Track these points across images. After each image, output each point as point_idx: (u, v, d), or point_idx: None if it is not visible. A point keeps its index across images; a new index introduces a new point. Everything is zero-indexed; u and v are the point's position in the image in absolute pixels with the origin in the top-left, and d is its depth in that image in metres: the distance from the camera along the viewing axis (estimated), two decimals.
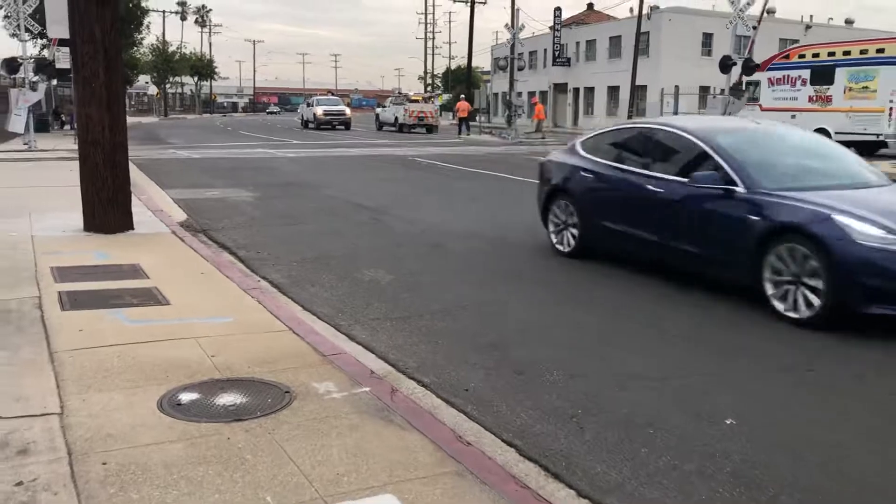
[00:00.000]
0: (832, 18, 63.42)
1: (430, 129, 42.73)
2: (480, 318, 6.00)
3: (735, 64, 21.21)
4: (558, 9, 60.48)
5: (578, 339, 5.48)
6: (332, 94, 58.05)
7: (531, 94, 35.74)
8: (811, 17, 60.15)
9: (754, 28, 21.45)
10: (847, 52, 24.88)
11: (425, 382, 4.58)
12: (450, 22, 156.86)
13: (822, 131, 21.05)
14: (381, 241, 9.29)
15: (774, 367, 4.91)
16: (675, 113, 48.70)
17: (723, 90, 21.89)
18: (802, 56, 26.22)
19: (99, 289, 6.05)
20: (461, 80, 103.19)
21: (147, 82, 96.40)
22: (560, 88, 62.75)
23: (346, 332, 5.59)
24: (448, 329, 5.72)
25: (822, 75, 24.51)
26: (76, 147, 9.23)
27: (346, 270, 7.68)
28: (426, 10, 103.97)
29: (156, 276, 6.57)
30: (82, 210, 8.79)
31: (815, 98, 24.65)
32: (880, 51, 23.59)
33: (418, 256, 8.44)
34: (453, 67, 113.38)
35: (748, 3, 21.25)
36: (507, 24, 33.50)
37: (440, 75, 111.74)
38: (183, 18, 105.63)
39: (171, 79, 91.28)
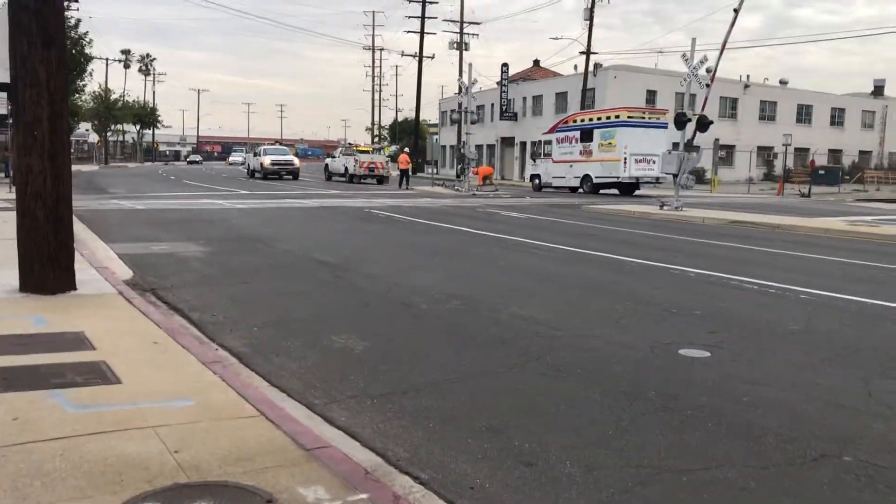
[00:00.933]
0: (768, 78, 65.77)
1: (381, 179, 42.41)
2: (472, 395, 5.42)
3: (690, 120, 21.40)
4: (505, 65, 61.45)
5: (589, 422, 4.94)
6: (280, 144, 57.41)
7: (463, 145, 36.20)
8: (748, 76, 62.02)
9: (707, 86, 21.75)
10: (599, 118, 34.23)
11: (423, 479, 3.97)
12: (396, 76, 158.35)
13: (587, 177, 33.28)
14: (348, 302, 8.68)
15: None
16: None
17: (676, 144, 22.01)
18: (576, 121, 35.50)
19: (37, 364, 5.29)
20: (408, 132, 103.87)
21: (88, 130, 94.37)
22: (507, 142, 63.37)
23: (322, 412, 4.95)
24: (438, 408, 5.12)
25: (586, 135, 33.63)
26: (13, 196, 8.46)
27: (314, 336, 7.04)
28: (373, 62, 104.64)
29: (103, 347, 5.83)
30: (19, 268, 7.97)
31: (583, 152, 33.55)
32: (618, 116, 32.61)
33: (391, 319, 7.85)
34: (400, 119, 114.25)
35: (701, 62, 21.56)
36: (458, 79, 33.58)
37: (387, 126, 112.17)
38: (126, 66, 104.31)
39: (112, 126, 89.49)
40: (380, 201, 25.99)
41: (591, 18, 49.45)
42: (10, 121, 8.36)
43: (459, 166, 34.41)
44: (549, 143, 36.65)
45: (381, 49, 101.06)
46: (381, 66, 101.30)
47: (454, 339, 7.07)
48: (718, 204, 28.40)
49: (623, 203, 26.26)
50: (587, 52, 49.97)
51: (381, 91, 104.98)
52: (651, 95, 54.25)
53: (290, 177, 45.27)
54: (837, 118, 65.33)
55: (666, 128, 31.60)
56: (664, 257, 12.62)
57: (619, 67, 53.31)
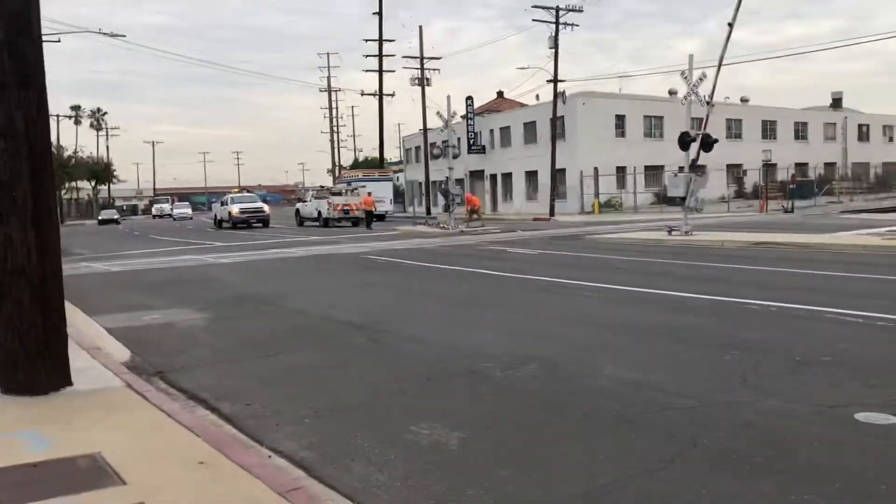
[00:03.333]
0: (728, 97, 66.04)
1: (357, 221, 40.90)
2: None
3: (694, 140, 20.43)
4: (469, 97, 60.63)
5: None
6: (248, 191, 55.62)
7: (447, 180, 35.08)
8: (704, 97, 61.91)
9: (708, 103, 20.84)
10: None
11: None
12: (353, 116, 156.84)
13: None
14: (402, 375, 7.19)
15: None
16: (596, 194, 48.87)
17: (682, 168, 21.00)
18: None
19: None
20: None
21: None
22: (477, 175, 62.38)
23: None
24: None
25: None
26: None
27: (386, 427, 5.57)
28: (329, 103, 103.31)
29: (135, 479, 4.28)
30: (0, 364, 6.37)
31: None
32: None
33: (468, 395, 6.39)
34: (360, 159, 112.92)
35: (700, 80, 20.67)
36: (438, 112, 32.53)
37: (347, 167, 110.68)
38: (77, 123, 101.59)
39: (66, 184, 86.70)
40: (369, 245, 24.49)
41: (556, 46, 48.78)
42: None
43: (444, 203, 33.06)
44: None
45: (338, 90, 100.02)
46: (337, 107, 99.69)
47: (565, 420, 5.64)
48: (716, 225, 27.47)
49: (626, 231, 25.16)
50: (555, 80, 49.23)
51: (338, 132, 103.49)
52: (620, 120, 53.88)
53: (261, 224, 43.51)
54: (801, 132, 65.77)
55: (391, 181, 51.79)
56: (723, 290, 11.34)
57: (586, 94, 52.83)
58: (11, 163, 6.17)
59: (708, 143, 20.26)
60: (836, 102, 71.50)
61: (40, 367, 6.27)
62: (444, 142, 32.32)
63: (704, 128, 20.52)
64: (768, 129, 63.30)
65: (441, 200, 38.22)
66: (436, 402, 6.21)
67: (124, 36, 39.82)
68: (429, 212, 57.06)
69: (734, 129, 61.14)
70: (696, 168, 20.57)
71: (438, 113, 32.30)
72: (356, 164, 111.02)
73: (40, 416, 5.64)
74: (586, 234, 24.51)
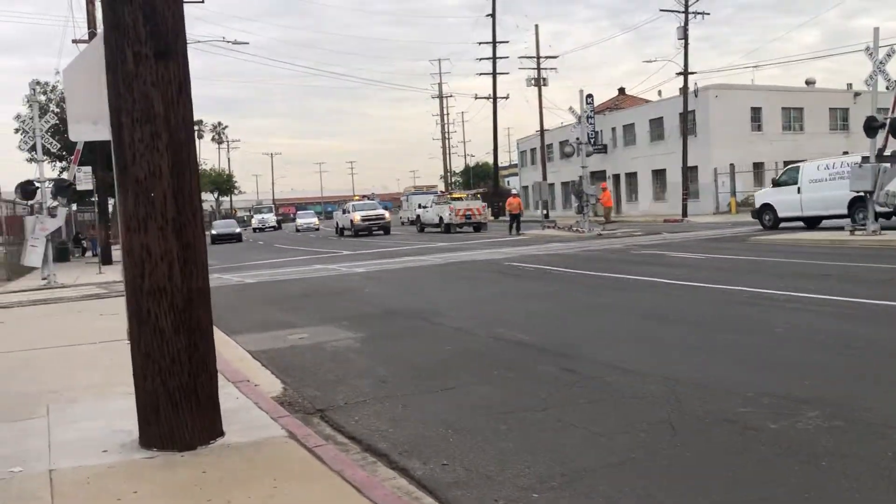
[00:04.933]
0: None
1: (479, 227, 39.48)
2: None
3: (882, 126, 17.74)
4: (590, 95, 58.19)
5: None
6: (368, 199, 55.26)
7: (580, 180, 32.17)
8: (849, 85, 56.96)
9: None
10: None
11: None
12: (463, 122, 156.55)
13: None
14: (628, 420, 5.46)
15: None
16: (733, 192, 45.46)
17: (866, 157, 18.30)
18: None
19: None
20: (481, 176, 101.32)
21: None
22: (598, 176, 59.75)
23: None
24: None
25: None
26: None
27: None
28: (441, 109, 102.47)
29: None
30: (137, 408, 5.08)
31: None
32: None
33: (749, 462, 4.59)
34: (472, 164, 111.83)
35: (889, 55, 17.96)
36: (570, 107, 30.65)
37: (458, 173, 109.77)
38: (199, 136, 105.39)
39: None
40: (505, 251, 22.85)
41: (685, 37, 45.90)
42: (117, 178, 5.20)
43: (577, 205, 31.05)
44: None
45: (450, 95, 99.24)
46: (448, 113, 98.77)
47: None
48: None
49: (788, 232, 22.48)
50: (685, 73, 46.31)
51: (449, 138, 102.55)
52: (756, 113, 50.21)
53: (382, 232, 42.75)
54: None
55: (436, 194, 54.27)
56: None
57: (719, 87, 49.49)
58: (149, 155, 4.87)
59: None
60: None
61: (186, 414, 4.94)
62: (577, 139, 30.28)
63: (893, 111, 17.75)
64: None
65: (551, 203, 36.27)
66: (707, 471, 4.47)
67: (247, 43, 39.99)
68: (546, 215, 54.98)
69: None
70: (886, 158, 17.85)
71: (571, 108, 30.42)
72: (467, 171, 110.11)
73: (188, 488, 4.26)
74: (746, 236, 22.01)
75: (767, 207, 24.78)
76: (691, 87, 48.27)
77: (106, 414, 5.88)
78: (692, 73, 46.91)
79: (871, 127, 17.76)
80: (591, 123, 57.70)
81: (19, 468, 4.64)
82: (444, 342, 8.84)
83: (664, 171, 52.34)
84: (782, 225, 24.21)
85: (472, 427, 5.60)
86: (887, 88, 18.32)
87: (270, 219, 74.73)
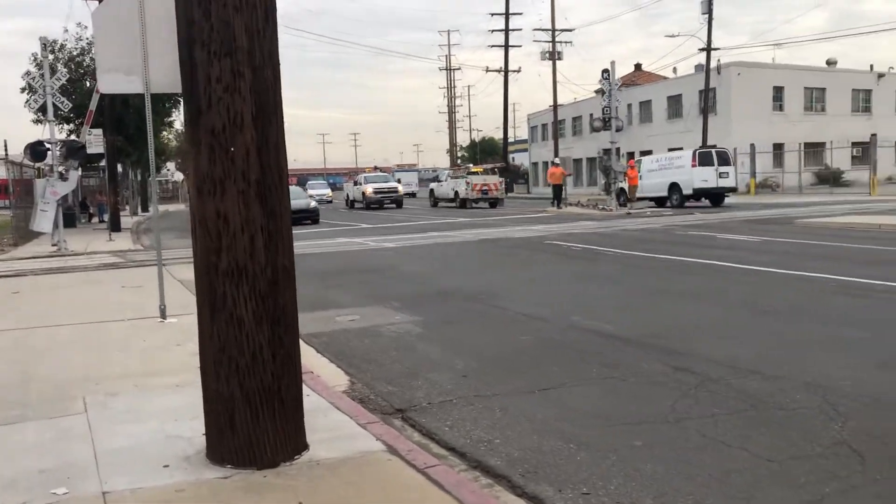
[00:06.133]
0: (892, 67, 59.30)
1: (495, 202, 38.43)
2: None
3: None
4: (606, 70, 56.74)
5: None
6: (379, 170, 54.10)
7: (608, 155, 31.09)
8: (871, 66, 55.60)
9: None
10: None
11: None
12: (468, 96, 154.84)
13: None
14: (795, 440, 4.53)
15: None
16: (752, 173, 44.27)
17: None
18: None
19: None
20: (488, 152, 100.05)
21: (168, 169, 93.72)
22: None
23: None
24: None
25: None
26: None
27: None
28: (448, 83, 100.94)
29: None
30: (204, 412, 4.13)
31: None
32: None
33: None
34: (478, 139, 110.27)
35: None
36: (601, 80, 29.53)
37: (464, 147, 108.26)
38: None
39: None
40: (537, 228, 21.83)
41: (710, 11, 44.60)
42: (186, 125, 4.12)
43: (604, 181, 29.98)
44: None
45: (457, 68, 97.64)
46: (455, 87, 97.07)
47: None
48: None
49: (824, 216, 21.53)
50: (707, 49, 45.13)
51: (455, 112, 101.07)
52: (778, 92, 49.02)
53: (394, 205, 41.71)
54: None
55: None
56: None
57: (741, 64, 48.22)
58: (228, 99, 3.87)
59: None
60: None
61: (267, 423, 3.99)
62: (603, 111, 29.11)
63: None
64: None
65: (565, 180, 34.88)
66: None
67: None
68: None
69: None
70: None
71: (602, 80, 29.24)
72: (473, 146, 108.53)
73: None
74: (800, 218, 21.03)
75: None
76: (713, 64, 47.04)
77: (155, 413, 4.94)
78: (715, 48, 45.70)
79: None
80: (618, 99, 56.51)
81: (64, 489, 3.70)
82: (516, 330, 7.89)
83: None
84: None
85: (598, 441, 4.66)
86: None
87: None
